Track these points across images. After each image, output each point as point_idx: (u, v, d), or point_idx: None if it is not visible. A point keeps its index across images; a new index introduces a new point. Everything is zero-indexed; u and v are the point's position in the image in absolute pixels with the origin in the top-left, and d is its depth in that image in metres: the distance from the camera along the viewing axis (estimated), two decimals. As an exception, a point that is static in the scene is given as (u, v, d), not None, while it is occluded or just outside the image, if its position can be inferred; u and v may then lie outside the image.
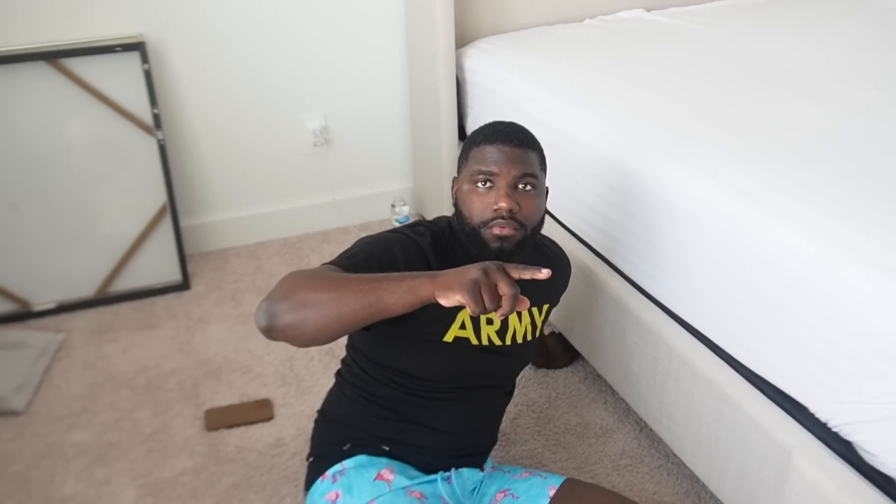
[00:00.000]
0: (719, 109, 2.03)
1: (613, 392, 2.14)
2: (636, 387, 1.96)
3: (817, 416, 1.47)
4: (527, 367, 2.25)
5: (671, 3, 3.08)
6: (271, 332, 1.30)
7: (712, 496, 1.86)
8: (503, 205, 1.46)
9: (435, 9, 2.54)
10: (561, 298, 1.95)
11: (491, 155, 1.49)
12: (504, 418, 2.05)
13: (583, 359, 2.26)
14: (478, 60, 2.66)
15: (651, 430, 2.00)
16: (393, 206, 2.80)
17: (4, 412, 2.13)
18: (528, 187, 1.50)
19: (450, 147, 2.73)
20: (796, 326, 1.48)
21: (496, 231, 1.47)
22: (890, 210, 1.51)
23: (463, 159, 1.56)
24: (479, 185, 1.49)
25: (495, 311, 1.14)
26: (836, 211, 1.51)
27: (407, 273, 1.23)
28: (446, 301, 1.16)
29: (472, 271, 1.14)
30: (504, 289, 1.13)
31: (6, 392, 2.15)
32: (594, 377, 2.24)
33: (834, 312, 1.39)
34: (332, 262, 1.42)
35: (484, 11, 2.83)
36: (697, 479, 1.90)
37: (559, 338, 2.32)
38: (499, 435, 2.00)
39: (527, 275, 1.16)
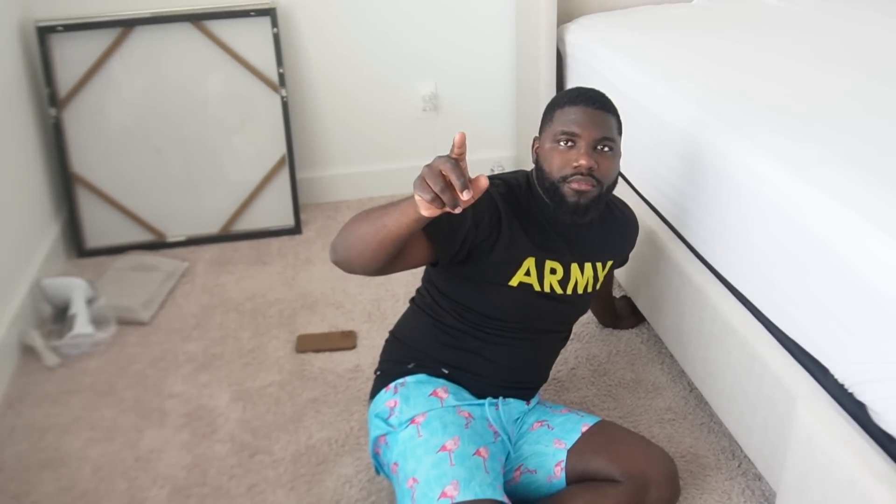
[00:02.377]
0: (800, 90, 2.06)
1: (670, 354, 2.23)
2: (686, 346, 2.05)
3: (836, 376, 1.52)
4: (594, 325, 2.40)
5: (786, -15, 3.05)
6: (336, 263, 1.55)
7: (745, 456, 1.93)
8: (583, 162, 1.59)
9: (541, -18, 2.66)
10: (629, 260, 2.08)
11: (574, 116, 1.63)
12: (562, 367, 2.22)
13: (647, 322, 2.36)
14: (579, 36, 2.76)
15: (699, 392, 2.07)
16: (491, 170, 2.97)
17: (133, 321, 2.47)
18: (606, 149, 1.64)
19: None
20: (823, 290, 1.54)
21: (574, 186, 1.61)
22: None
23: (547, 119, 1.71)
24: (562, 143, 1.63)
25: (446, 196, 1.23)
26: (876, 185, 1.56)
27: (407, 197, 1.37)
28: (424, 210, 1.30)
29: (421, 172, 1.28)
30: (443, 167, 1.25)
31: (136, 305, 2.48)
32: (655, 339, 2.34)
33: (853, 277, 1.45)
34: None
35: (592, -12, 2.91)
36: (734, 438, 1.98)
37: (627, 300, 2.43)
38: (555, 380, 2.17)
39: (457, 149, 1.28)
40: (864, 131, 1.79)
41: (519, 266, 1.68)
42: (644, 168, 2.29)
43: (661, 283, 2.16)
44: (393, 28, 2.98)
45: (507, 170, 2.96)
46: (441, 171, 1.26)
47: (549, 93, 2.82)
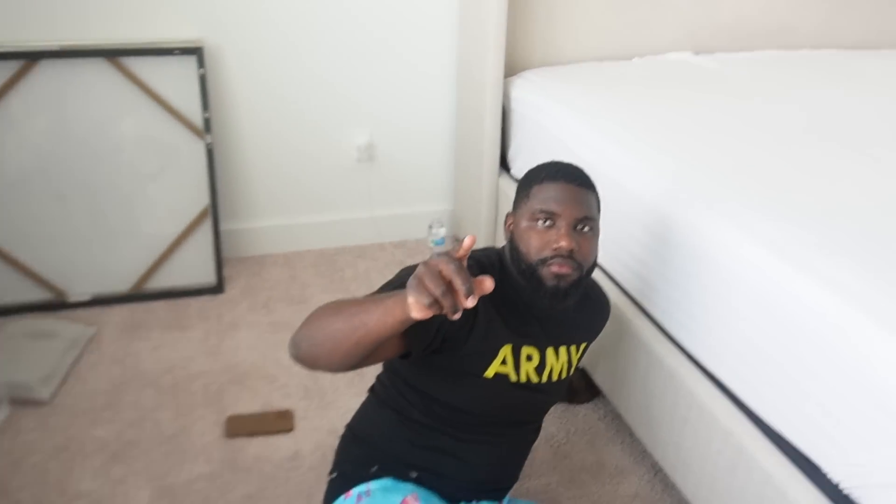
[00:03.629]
0: (761, 161, 2.03)
1: (632, 433, 2.13)
2: (655, 430, 1.96)
3: (830, 476, 1.46)
4: (548, 401, 2.27)
5: (719, 47, 3.09)
6: (298, 359, 1.36)
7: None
8: (564, 244, 1.47)
9: (487, 37, 2.58)
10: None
11: (553, 194, 1.51)
12: (522, 450, 2.07)
13: (604, 396, 2.26)
14: (525, 91, 2.69)
15: (665, 474, 1.99)
16: (430, 227, 2.83)
17: (30, 401, 2.18)
18: (587, 229, 1.52)
19: (490, 173, 2.75)
20: (815, 384, 1.47)
21: (554, 269, 1.48)
22: None
23: (523, 196, 1.57)
24: (540, 222, 1.50)
25: (447, 300, 1.09)
26: (863, 272, 1.50)
27: (391, 293, 1.22)
28: (416, 312, 1.14)
29: (416, 271, 1.13)
30: (445, 268, 1.10)
31: (33, 381, 2.19)
32: (613, 416, 2.24)
33: (852, 373, 1.39)
34: (371, 294, 1.45)
35: (535, 43, 2.86)
36: (708, 530, 1.89)
37: (582, 373, 2.32)
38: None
39: (462, 251, 1.16)
40: (843, 211, 1.75)
41: (495, 355, 1.54)
42: (602, 237, 2.18)
43: (624, 361, 2.07)
44: (329, 74, 2.83)
45: (445, 225, 2.85)
46: (442, 273, 1.10)
47: (493, 149, 2.74)
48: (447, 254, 1.14)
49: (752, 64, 2.94)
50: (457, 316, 1.11)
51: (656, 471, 2.07)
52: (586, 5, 2.87)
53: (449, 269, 1.10)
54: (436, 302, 1.10)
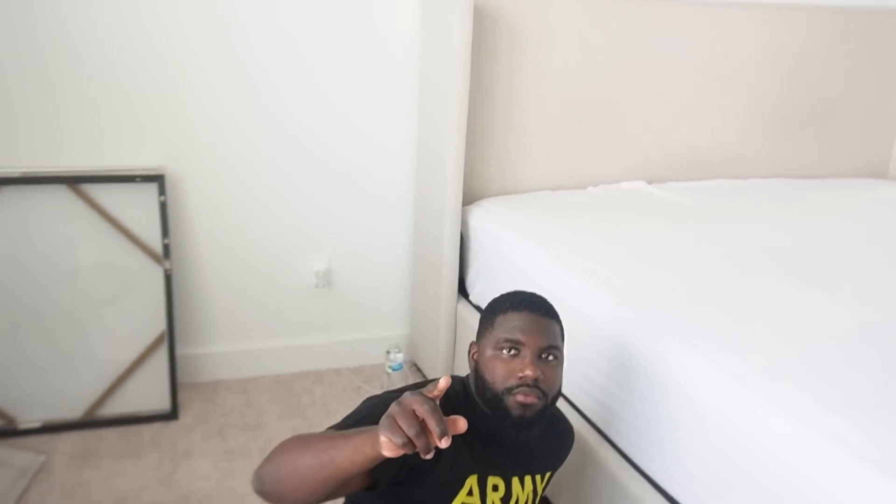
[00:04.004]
0: (716, 288, 2.09)
1: (596, 564, 2.10)
2: (621, 560, 1.94)
3: None
4: (510, 531, 2.23)
5: (671, 177, 3.22)
6: (262, 495, 1.34)
7: None
8: (529, 373, 1.49)
9: (445, 167, 2.66)
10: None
11: (518, 323, 1.53)
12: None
13: None
14: (482, 219, 2.75)
15: None
16: (388, 352, 2.83)
17: (-24, 535, 2.09)
18: (552, 357, 1.54)
19: (449, 299, 2.78)
20: None
21: (520, 399, 1.49)
22: (881, 402, 1.54)
23: (487, 325, 1.59)
24: (505, 351, 1.52)
25: (420, 441, 1.10)
26: (828, 401, 1.54)
27: (361, 429, 1.22)
28: (388, 451, 1.14)
29: (389, 410, 1.14)
30: (419, 408, 1.11)
31: (-20, 513, 2.11)
32: (578, 547, 2.21)
33: (816, 499, 1.41)
34: (334, 426, 1.44)
35: (492, 172, 2.94)
36: None
37: (545, 502, 2.30)
38: None
39: (436, 392, 1.17)
40: (802, 340, 1.81)
41: (461, 486, 1.53)
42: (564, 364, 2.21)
43: (588, 489, 2.06)
44: (287, 201, 2.86)
45: (402, 351, 2.85)
46: (416, 412, 1.12)
47: (451, 276, 2.77)
48: (420, 393, 1.15)
49: (703, 193, 3.06)
50: (429, 456, 1.12)
51: None
52: (542, 136, 2.98)
53: (423, 410, 1.11)
54: (409, 442, 1.10)
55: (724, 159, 3.33)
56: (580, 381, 2.13)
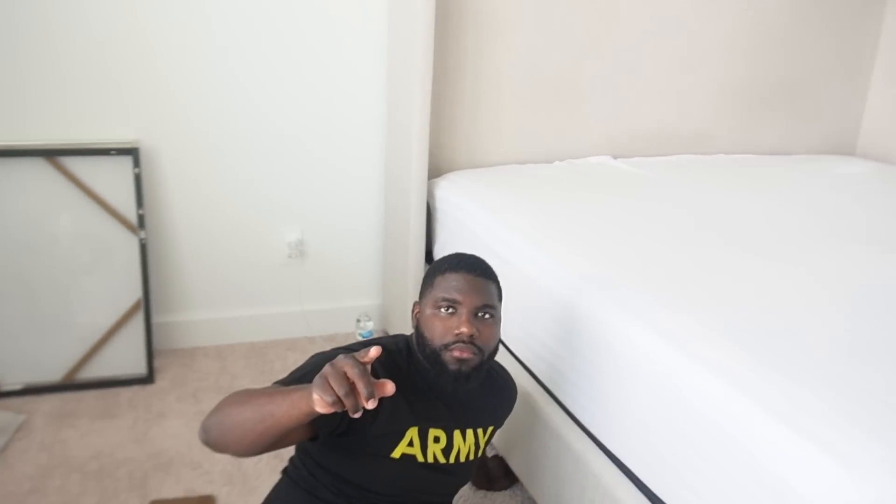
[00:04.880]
0: (667, 258, 2.16)
1: (547, 519, 2.21)
2: (566, 514, 2.03)
3: None
4: (466, 488, 2.33)
5: (635, 151, 3.29)
6: (207, 444, 1.43)
7: None
8: (464, 330, 1.56)
9: (411, 141, 2.73)
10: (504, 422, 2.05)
11: (455, 283, 1.61)
12: (438, 534, 2.13)
13: (521, 484, 2.32)
14: (448, 191, 2.83)
15: (577, 559, 2.05)
16: (358, 321, 2.92)
17: (-43, 486, 2.20)
18: (487, 316, 1.62)
19: (416, 270, 2.87)
20: (705, 464, 1.55)
21: (456, 354, 1.57)
22: (807, 366, 1.60)
23: (427, 285, 1.67)
24: (442, 310, 1.60)
25: (349, 400, 1.16)
26: (750, 361, 1.60)
27: (298, 386, 1.30)
28: (320, 408, 1.22)
29: (322, 370, 1.22)
30: (349, 371, 1.19)
31: (-39, 467, 2.22)
32: (530, 502, 2.30)
33: (737, 453, 1.47)
34: (280, 380, 1.53)
35: (460, 146, 3.03)
36: None
37: (500, 461, 2.39)
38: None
39: (367, 358, 1.25)
40: (738, 306, 1.87)
41: (402, 437, 1.62)
42: (517, 328, 2.30)
43: (536, 447, 2.14)
44: (261, 172, 2.95)
45: (373, 319, 2.94)
46: (346, 374, 1.20)
47: (418, 246, 2.85)
48: (353, 356, 1.23)
49: (668, 168, 3.12)
50: (357, 414, 1.20)
51: (569, 555, 2.13)
52: (510, 111, 3.06)
53: (353, 373, 1.19)
54: (338, 401, 1.18)
55: (690, 135, 3.40)
56: (532, 343, 2.21)
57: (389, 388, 1.23)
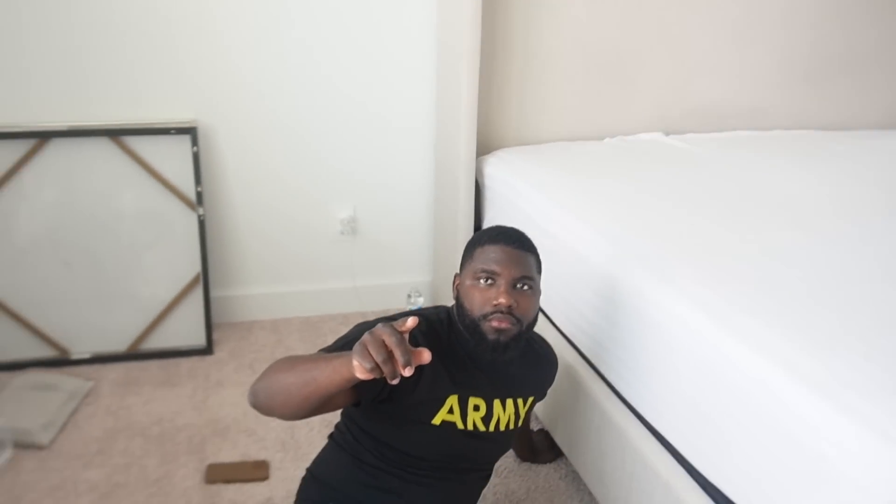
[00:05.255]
0: (715, 234, 2.14)
1: (589, 492, 2.22)
2: (608, 487, 2.05)
3: None
4: (511, 459, 2.38)
5: (689, 128, 3.24)
6: (255, 407, 1.50)
7: None
8: (503, 301, 1.61)
9: (459, 118, 2.75)
10: (547, 394, 2.09)
11: (494, 255, 1.66)
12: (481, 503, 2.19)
13: (566, 457, 2.35)
14: (497, 169, 2.85)
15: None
16: (409, 296, 2.98)
17: (31, 445, 2.33)
18: (526, 287, 1.66)
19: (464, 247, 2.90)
20: (744, 438, 1.56)
21: (494, 324, 1.61)
22: (845, 338, 1.60)
23: (467, 257, 1.72)
24: (482, 281, 1.64)
25: (387, 367, 1.20)
26: (791, 335, 1.60)
27: (340, 353, 1.34)
28: (359, 374, 1.26)
29: (362, 338, 1.26)
30: (387, 339, 1.22)
31: (34, 427, 2.35)
32: (574, 475, 2.33)
33: (776, 427, 1.48)
34: (325, 347, 1.60)
35: (509, 123, 3.04)
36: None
37: (545, 434, 2.43)
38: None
39: (405, 328, 1.28)
40: (781, 281, 1.86)
41: (442, 404, 1.67)
42: (562, 302, 2.33)
43: (580, 420, 2.18)
44: (314, 151, 3.01)
45: (423, 294, 3.00)
46: (385, 343, 1.24)
47: (467, 222, 2.88)
48: (391, 325, 1.27)
49: (722, 144, 3.07)
50: (395, 381, 1.24)
51: (610, 527, 2.17)
52: (560, 88, 3.04)
53: (391, 341, 1.23)
54: (377, 367, 1.23)
55: (745, 111, 3.34)
56: (575, 317, 2.24)
57: (426, 356, 1.27)
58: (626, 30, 3.06)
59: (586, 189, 2.54)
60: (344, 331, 2.95)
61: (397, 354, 1.22)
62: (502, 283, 1.64)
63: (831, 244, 2.08)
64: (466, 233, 2.89)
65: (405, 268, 3.27)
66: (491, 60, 2.87)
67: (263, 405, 1.49)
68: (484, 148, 2.96)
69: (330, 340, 2.91)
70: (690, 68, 3.21)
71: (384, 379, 1.43)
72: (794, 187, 2.56)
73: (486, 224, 2.91)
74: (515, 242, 1.70)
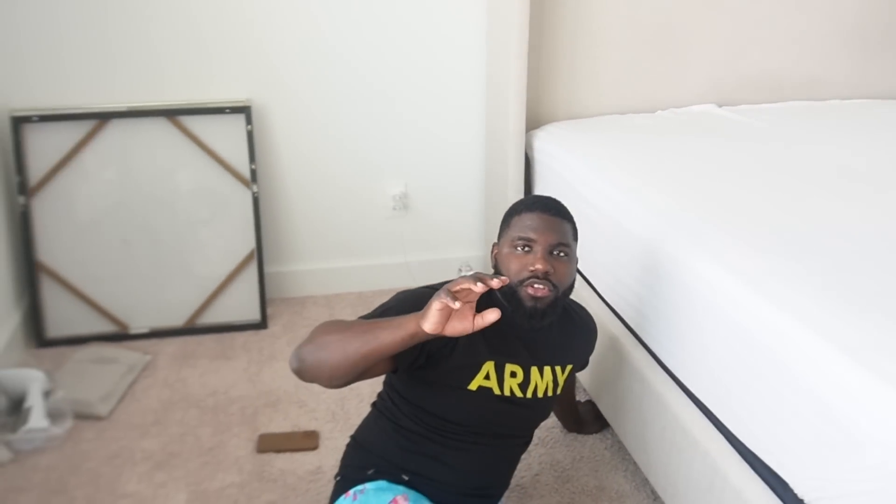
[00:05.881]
0: (761, 205, 2.11)
1: (634, 461, 2.22)
2: (649, 454, 2.05)
3: (796, 491, 1.53)
4: (557, 430, 2.39)
5: (743, 99, 3.17)
6: (299, 373, 1.55)
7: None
8: (539, 266, 1.62)
9: (509, 91, 2.75)
10: (590, 364, 2.09)
11: (530, 222, 1.67)
12: (525, 473, 2.20)
13: (611, 427, 2.35)
14: (546, 143, 2.84)
15: (662, 501, 2.06)
16: (459, 270, 3.00)
17: (90, 416, 2.42)
18: (562, 254, 1.67)
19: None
20: (782, 406, 1.55)
21: (531, 291, 1.63)
22: (884, 306, 1.58)
23: (504, 226, 1.75)
24: (518, 248, 1.66)
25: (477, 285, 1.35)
26: (830, 304, 1.59)
27: (402, 315, 1.41)
28: (429, 325, 1.36)
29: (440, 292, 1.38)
30: (462, 282, 1.36)
31: (94, 399, 2.44)
32: (619, 444, 2.33)
33: (815, 395, 1.47)
34: (365, 315, 1.63)
35: (559, 97, 3.01)
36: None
37: (591, 405, 2.43)
38: (518, 487, 2.15)
39: (494, 282, 1.40)
40: (823, 250, 1.84)
41: (478, 370, 1.68)
42: (606, 273, 2.33)
43: (623, 389, 2.18)
44: (365, 128, 3.04)
45: (474, 269, 3.01)
46: (460, 291, 1.39)
47: (516, 196, 2.85)
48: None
49: (777, 115, 3.00)
50: (479, 287, 1.38)
51: (655, 497, 2.14)
52: (609, 60, 3.01)
53: (466, 283, 1.39)
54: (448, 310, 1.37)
55: (801, 81, 3.25)
56: (618, 287, 2.24)
57: (491, 316, 1.41)
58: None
59: (635, 162, 2.52)
60: (394, 306, 3.08)
61: (474, 286, 1.37)
62: (539, 249, 1.65)
63: (883, 214, 2.04)
64: (515, 208, 2.89)
65: (456, 243, 3.28)
66: (540, 34, 2.85)
67: (311, 368, 1.52)
68: (534, 122, 2.95)
69: (381, 315, 3.02)
70: (744, 38, 3.13)
71: (422, 343, 1.50)
72: (850, 158, 2.49)
73: (535, 198, 2.89)
74: (552, 210, 1.71)
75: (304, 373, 1.54)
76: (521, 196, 2.87)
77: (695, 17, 3.05)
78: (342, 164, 3.07)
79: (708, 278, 1.83)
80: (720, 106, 3.15)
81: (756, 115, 3.01)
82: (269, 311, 3.01)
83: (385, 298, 3.10)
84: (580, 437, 2.40)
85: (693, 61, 3.12)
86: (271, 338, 2.90)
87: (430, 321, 1.36)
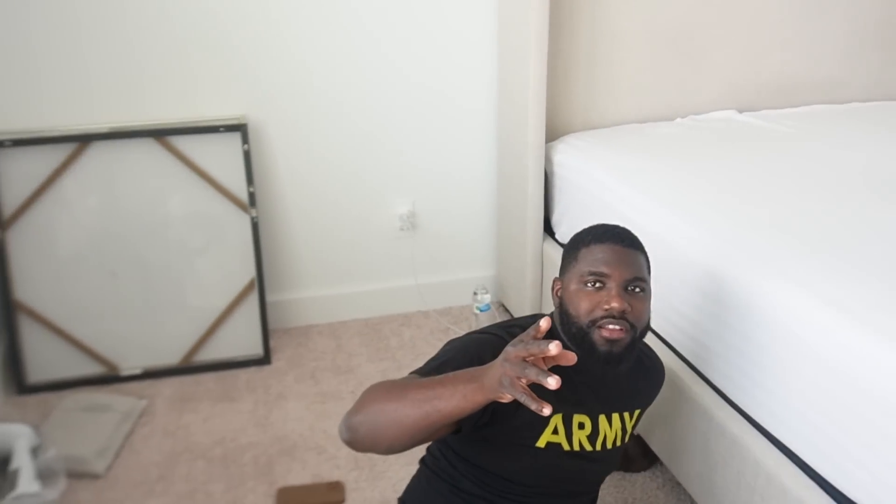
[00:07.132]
0: (811, 217, 2.01)
1: (693, 502, 2.08)
2: (719, 499, 1.90)
3: None
4: (604, 469, 2.23)
5: (764, 105, 3.09)
6: (351, 444, 1.39)
7: None
8: (615, 305, 1.46)
9: (527, 103, 2.61)
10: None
11: (602, 255, 1.51)
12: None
13: (661, 464, 2.21)
14: (567, 155, 2.71)
15: (732, 545, 1.92)
16: (475, 293, 2.83)
17: (85, 474, 2.20)
18: (638, 290, 1.51)
19: (534, 238, 2.76)
20: (886, 445, 1.42)
21: (605, 334, 1.46)
22: None
23: (570, 259, 1.57)
24: (589, 284, 1.50)
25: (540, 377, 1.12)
26: None
27: (460, 375, 1.26)
28: (505, 400, 1.19)
29: (496, 369, 1.18)
30: (532, 350, 1.15)
31: (89, 454, 2.21)
32: (673, 484, 2.18)
33: None
34: (417, 371, 1.45)
35: (575, 107, 2.89)
36: None
37: (638, 440, 2.27)
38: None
39: (541, 331, 1.19)
40: (884, 261, 1.74)
41: (546, 424, 1.52)
42: (653, 300, 2.15)
43: (682, 427, 2.02)
44: (369, 145, 2.88)
45: (489, 291, 2.84)
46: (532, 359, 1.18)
47: (537, 214, 2.75)
48: (523, 341, 1.19)
49: (798, 119, 2.94)
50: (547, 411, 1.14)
51: (720, 540, 2.01)
52: (626, 68, 2.91)
53: (538, 350, 1.15)
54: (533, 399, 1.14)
55: (821, 84, 3.18)
56: (671, 315, 2.08)
57: (572, 357, 1.19)
58: (693, 5, 2.91)
59: (667, 173, 2.40)
60: (406, 332, 2.92)
61: (563, 358, 1.17)
62: (613, 285, 1.48)
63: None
64: (536, 224, 2.76)
65: (469, 263, 3.14)
66: (555, 43, 2.71)
67: (366, 440, 1.36)
68: (550, 134, 2.80)
69: (393, 343, 2.86)
70: (761, 42, 3.05)
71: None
72: (884, 164, 2.39)
73: (557, 215, 2.76)
74: (625, 241, 1.55)
75: (357, 444, 1.38)
76: (541, 212, 2.80)
77: (712, 23, 2.97)
78: (345, 183, 2.90)
79: (789, 305, 1.68)
80: (741, 112, 3.07)
81: (778, 120, 2.94)
82: (271, 343, 2.80)
83: (394, 324, 3.02)
84: (628, 476, 2.25)
85: (711, 67, 3.04)
86: (277, 374, 2.69)
87: (510, 393, 1.17)
